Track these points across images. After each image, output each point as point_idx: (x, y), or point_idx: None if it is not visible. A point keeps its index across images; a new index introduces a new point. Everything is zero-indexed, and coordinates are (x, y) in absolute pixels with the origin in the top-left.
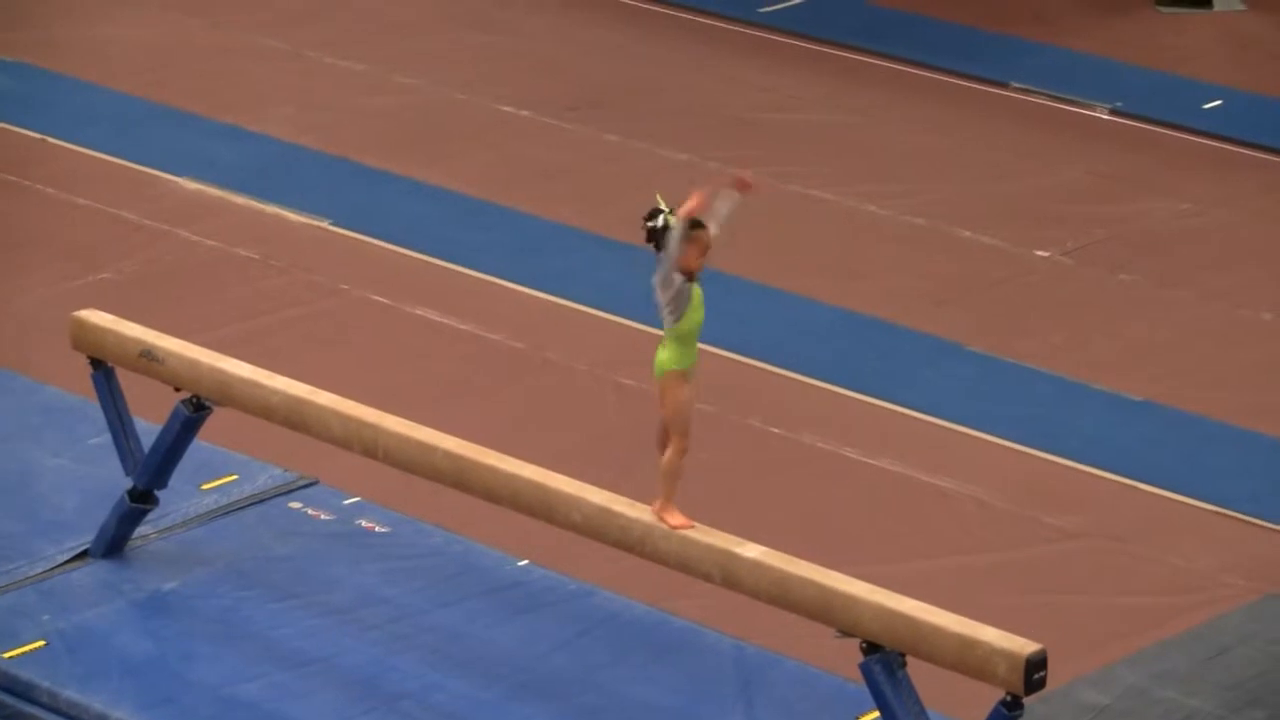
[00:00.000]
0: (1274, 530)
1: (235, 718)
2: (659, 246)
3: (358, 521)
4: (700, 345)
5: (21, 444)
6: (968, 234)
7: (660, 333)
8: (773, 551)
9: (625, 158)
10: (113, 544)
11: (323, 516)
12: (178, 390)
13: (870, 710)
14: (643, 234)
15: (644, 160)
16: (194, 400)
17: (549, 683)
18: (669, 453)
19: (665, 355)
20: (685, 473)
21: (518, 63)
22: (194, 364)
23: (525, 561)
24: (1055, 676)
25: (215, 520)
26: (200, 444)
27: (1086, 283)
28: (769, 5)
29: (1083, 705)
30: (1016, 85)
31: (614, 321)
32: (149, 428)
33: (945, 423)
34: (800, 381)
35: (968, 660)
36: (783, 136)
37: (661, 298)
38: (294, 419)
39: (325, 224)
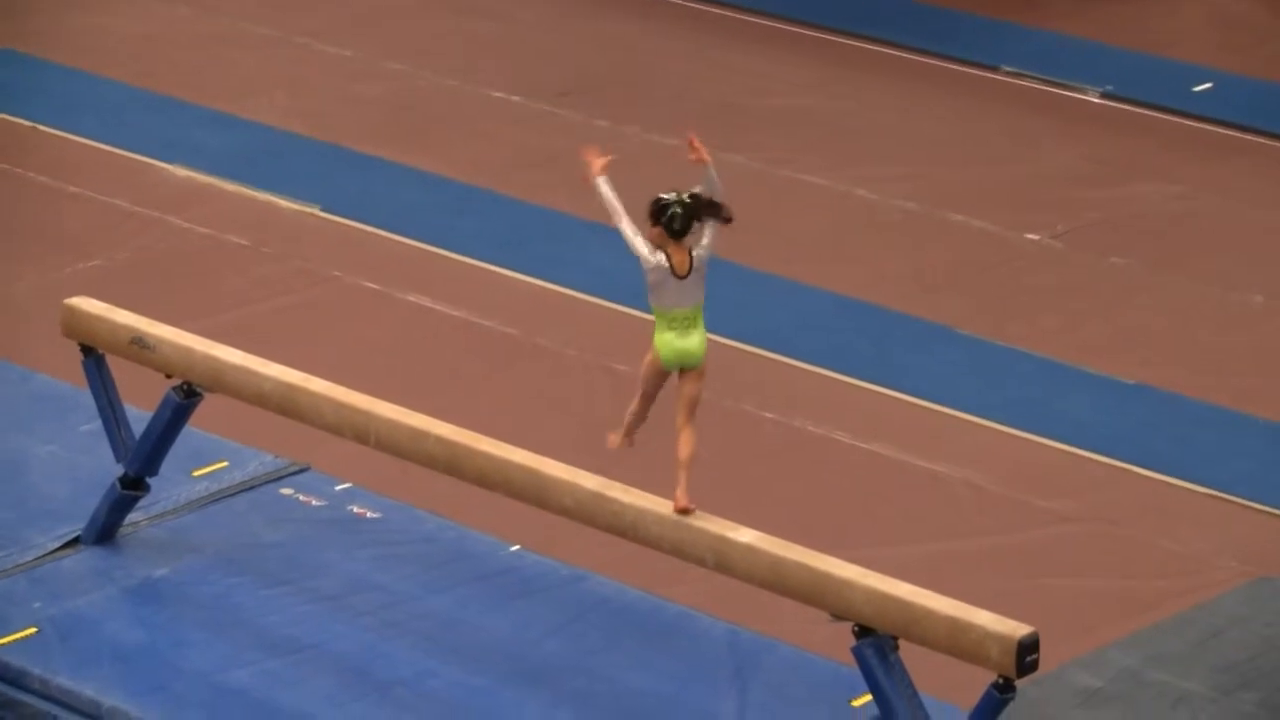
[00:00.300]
0: (1267, 513)
1: (227, 705)
2: (694, 224)
3: (349, 508)
4: None
5: (12, 432)
6: (959, 218)
7: (651, 317)
8: (766, 536)
9: (616, 143)
10: (104, 531)
11: (314, 503)
12: (169, 377)
13: (864, 693)
14: (683, 218)
15: (634, 146)
16: (185, 387)
17: (542, 669)
18: (694, 438)
19: (703, 335)
20: None
21: (507, 49)
22: (185, 351)
23: (517, 547)
24: (1047, 659)
25: (206, 507)
26: (191, 431)
27: (1078, 266)
28: None
29: (1075, 688)
30: (1007, 69)
31: (606, 307)
32: (140, 415)
33: (937, 407)
34: (792, 366)
35: (960, 643)
36: (773, 121)
37: (704, 267)
38: (285, 405)
39: (316, 211)
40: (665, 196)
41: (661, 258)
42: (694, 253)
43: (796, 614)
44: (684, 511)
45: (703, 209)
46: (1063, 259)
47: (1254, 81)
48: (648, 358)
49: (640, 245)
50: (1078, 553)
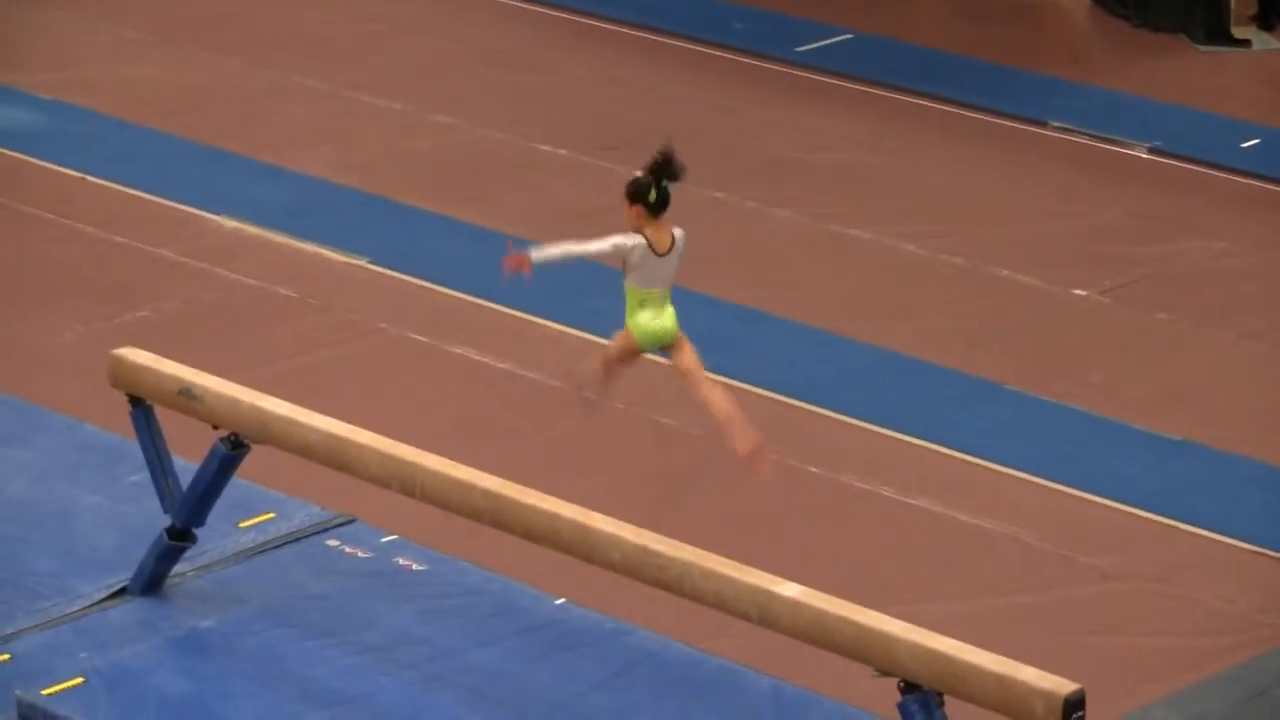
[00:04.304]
0: None
1: None
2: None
3: (395, 560)
4: (739, 384)
5: (60, 482)
6: (1006, 273)
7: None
8: (811, 590)
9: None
10: (151, 582)
11: (360, 555)
12: (216, 428)
13: None
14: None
15: (681, 199)
16: (232, 438)
17: None
18: (724, 391)
19: (673, 312)
20: (725, 512)
21: (554, 102)
22: (233, 402)
23: (563, 600)
24: (1093, 717)
25: (253, 558)
26: (238, 482)
27: (1124, 322)
28: (806, 45)
29: None
30: (1055, 125)
31: (652, 361)
32: (187, 466)
33: (983, 462)
34: (838, 421)
35: (1005, 700)
36: (820, 176)
37: (684, 249)
38: (332, 457)
39: (364, 263)
40: (639, 175)
41: (640, 238)
42: (675, 232)
43: (841, 669)
44: (758, 450)
45: (668, 173)
46: (1109, 315)
47: None
48: (619, 338)
49: (614, 239)
50: (1123, 610)
